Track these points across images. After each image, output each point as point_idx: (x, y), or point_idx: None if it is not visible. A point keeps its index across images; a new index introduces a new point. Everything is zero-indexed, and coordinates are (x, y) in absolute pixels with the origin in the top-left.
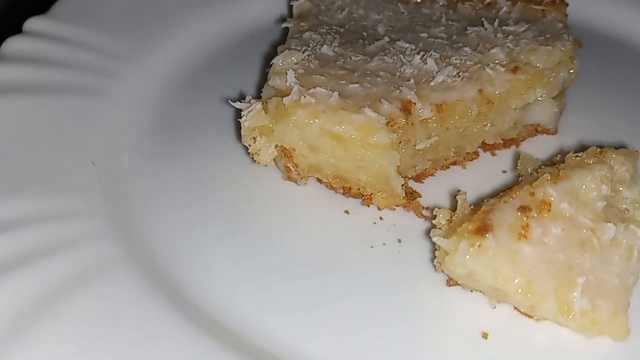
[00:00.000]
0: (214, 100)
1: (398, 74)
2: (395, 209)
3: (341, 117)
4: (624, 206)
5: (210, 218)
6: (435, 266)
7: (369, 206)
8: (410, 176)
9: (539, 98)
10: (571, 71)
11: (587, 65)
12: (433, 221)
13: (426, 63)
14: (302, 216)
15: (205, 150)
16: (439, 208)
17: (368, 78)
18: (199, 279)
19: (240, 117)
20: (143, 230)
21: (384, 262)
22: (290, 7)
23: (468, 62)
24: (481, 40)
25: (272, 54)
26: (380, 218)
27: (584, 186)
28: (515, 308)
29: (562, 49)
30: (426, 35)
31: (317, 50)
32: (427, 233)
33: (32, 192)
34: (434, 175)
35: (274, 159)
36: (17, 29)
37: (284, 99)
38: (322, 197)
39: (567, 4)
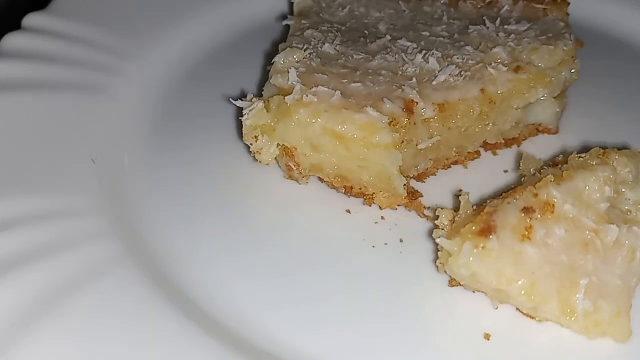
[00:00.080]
0: (214, 97)
1: (400, 72)
2: (396, 209)
3: (343, 116)
4: (626, 207)
5: (210, 216)
6: (437, 267)
7: (370, 205)
8: (411, 175)
9: (541, 98)
10: (573, 70)
11: (588, 64)
12: (435, 221)
13: (428, 62)
14: (303, 215)
15: (205, 148)
16: (442, 208)
17: (370, 77)
18: (199, 278)
19: (242, 115)
20: (144, 228)
21: (385, 262)
22: (291, 5)
23: (470, 61)
24: (483, 39)
25: (273, 51)
26: (382, 217)
27: (587, 187)
28: (517, 309)
29: (564, 48)
30: (428, 33)
31: (319, 48)
32: (429, 233)
33: (30, 190)
34: (436, 175)
35: (275, 158)
36: (17, 27)
37: (285, 97)
38: (324, 196)
39: (569, 3)
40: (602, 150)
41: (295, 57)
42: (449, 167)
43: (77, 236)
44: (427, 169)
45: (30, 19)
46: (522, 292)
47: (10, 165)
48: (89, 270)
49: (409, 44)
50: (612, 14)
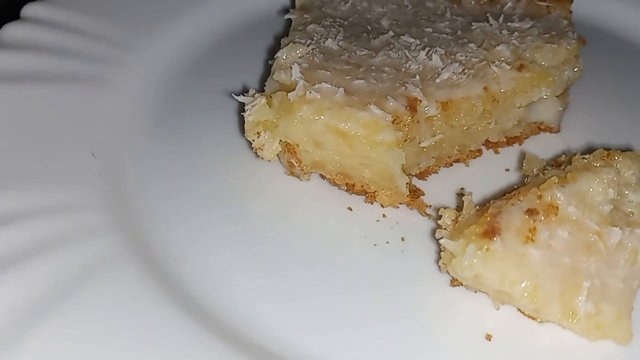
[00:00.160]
0: (215, 91)
1: (403, 69)
2: (398, 207)
3: (347, 114)
4: (629, 210)
5: (211, 212)
6: (440, 267)
7: (372, 204)
8: (413, 174)
9: (544, 96)
10: (575, 69)
11: (591, 62)
12: (438, 221)
13: (431, 59)
14: (304, 212)
15: (207, 143)
16: (445, 208)
17: (373, 74)
18: (199, 273)
19: (244, 111)
20: (144, 223)
21: (387, 261)
22: None
23: (473, 59)
24: (486, 37)
25: (275, 46)
26: (384, 215)
27: (590, 190)
28: (519, 310)
29: (568, 47)
30: (431, 30)
31: (322, 43)
32: (431, 232)
33: (30, 184)
34: (438, 173)
35: (277, 154)
36: (16, 18)
37: (289, 94)
38: (325, 194)
39: (572, 1)
40: (605, 152)
41: (298, 52)
42: (451, 165)
43: (77, 231)
44: (429, 167)
45: (30, 10)
46: (525, 295)
47: (9, 159)
48: (89, 266)
49: (412, 40)
50: (614, 12)
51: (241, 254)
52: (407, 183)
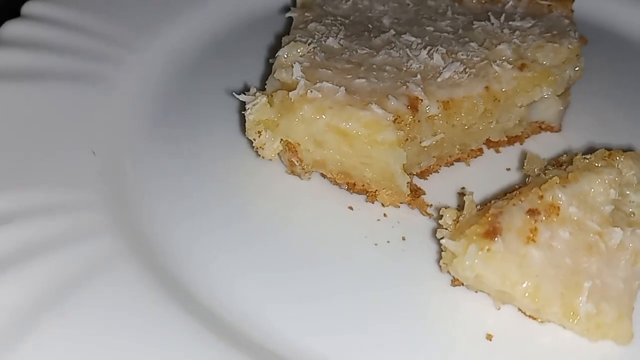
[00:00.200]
0: (216, 89)
1: (404, 68)
2: (399, 206)
3: (348, 113)
4: (630, 210)
5: (212, 211)
6: (440, 267)
7: (373, 203)
8: (414, 173)
9: (545, 96)
10: (577, 68)
11: (592, 61)
12: (439, 221)
13: (433, 58)
14: (305, 211)
15: (207, 142)
16: (446, 208)
17: (374, 73)
18: (200, 272)
19: (245, 110)
20: (145, 222)
21: (388, 260)
22: None
23: (475, 58)
24: (487, 36)
25: (276, 44)
26: (384, 215)
27: (592, 190)
28: (520, 309)
29: (569, 46)
30: (432, 28)
31: (323, 42)
32: (432, 231)
33: (30, 183)
34: (438, 172)
35: (277, 153)
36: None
37: (290, 93)
38: (326, 193)
39: (573, 0)
40: (607, 152)
41: (299, 51)
42: (452, 164)
43: (77, 230)
44: (430, 166)
45: (30, 7)
46: (526, 295)
47: (9, 157)
48: (89, 265)
49: (414, 39)
50: (616, 11)
51: (241, 253)
52: (408, 182)
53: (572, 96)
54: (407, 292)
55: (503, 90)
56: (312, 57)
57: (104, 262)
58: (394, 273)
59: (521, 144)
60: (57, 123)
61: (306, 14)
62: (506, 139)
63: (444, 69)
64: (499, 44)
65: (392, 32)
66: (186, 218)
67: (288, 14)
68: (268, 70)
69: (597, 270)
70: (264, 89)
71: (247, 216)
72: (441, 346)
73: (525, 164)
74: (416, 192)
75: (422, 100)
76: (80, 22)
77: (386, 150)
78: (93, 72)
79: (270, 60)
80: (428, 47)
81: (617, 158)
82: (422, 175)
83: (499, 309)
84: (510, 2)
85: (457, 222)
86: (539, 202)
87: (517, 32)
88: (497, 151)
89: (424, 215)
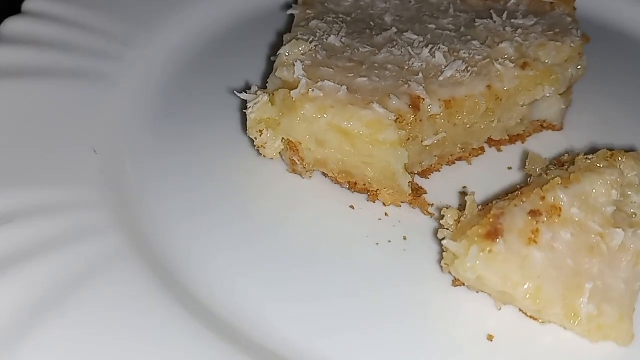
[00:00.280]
0: (217, 87)
1: (406, 67)
2: (400, 206)
3: (350, 112)
4: (632, 210)
5: (213, 210)
6: (442, 267)
7: (374, 202)
8: (416, 172)
9: (547, 95)
10: (579, 67)
11: (594, 60)
12: (441, 221)
13: (435, 57)
14: (306, 211)
15: (208, 140)
16: (447, 208)
17: (376, 71)
18: (201, 271)
19: (246, 108)
20: (146, 222)
21: (389, 260)
22: None
23: (477, 57)
24: (490, 34)
25: (277, 41)
26: (386, 214)
27: (594, 191)
28: (521, 310)
29: (572, 45)
30: (434, 26)
31: (324, 40)
32: (433, 231)
33: (31, 182)
34: (440, 171)
35: (279, 152)
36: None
37: (291, 92)
38: (327, 192)
39: None
40: (609, 153)
41: (300, 49)
42: (454, 163)
43: (79, 229)
44: (431, 165)
45: (31, 4)
46: (527, 296)
47: (9, 155)
48: (90, 265)
49: (416, 37)
50: (619, 8)
51: (242, 253)
52: (409, 182)
53: (574, 95)
54: (408, 292)
55: (505, 89)
56: (314, 55)
57: (104, 261)
58: (395, 273)
59: (523, 143)
60: (57, 121)
61: (308, 11)
62: (508, 137)
63: (446, 67)
64: (501, 43)
65: (394, 30)
66: (187, 217)
67: (290, 11)
68: (269, 68)
69: (598, 271)
70: (266, 87)
71: (248, 215)
72: (442, 347)
73: (527, 164)
74: (417, 192)
75: (424, 99)
76: (81, 19)
77: (388, 149)
78: (94, 70)
79: (272, 58)
80: (430, 46)
81: (619, 159)
82: (424, 174)
83: (500, 309)
84: (513, 0)
85: (459, 222)
86: (541, 203)
87: (520, 30)
88: (499, 150)
89: (425, 214)
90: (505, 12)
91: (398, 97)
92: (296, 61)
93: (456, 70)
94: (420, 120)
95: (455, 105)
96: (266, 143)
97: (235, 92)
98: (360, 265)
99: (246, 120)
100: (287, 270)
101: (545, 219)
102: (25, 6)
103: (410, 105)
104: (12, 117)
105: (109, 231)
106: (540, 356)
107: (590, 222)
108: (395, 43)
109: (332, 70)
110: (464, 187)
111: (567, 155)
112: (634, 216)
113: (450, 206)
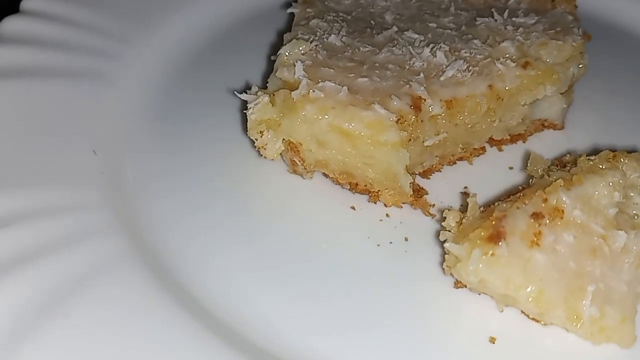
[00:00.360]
0: (217, 87)
1: (407, 67)
2: (402, 207)
3: (351, 113)
4: (634, 212)
5: (213, 211)
6: (444, 269)
7: (375, 203)
8: (417, 172)
9: (548, 94)
10: (580, 65)
11: (595, 58)
12: (442, 223)
13: (436, 56)
14: (307, 212)
15: (208, 140)
16: (448, 209)
17: (377, 71)
18: (201, 273)
19: (246, 109)
20: (147, 223)
21: (390, 262)
22: None
23: (478, 56)
24: (491, 33)
25: (277, 41)
26: (387, 215)
27: (596, 193)
28: (523, 312)
29: (573, 44)
30: (435, 25)
31: (325, 39)
32: (435, 232)
33: (30, 184)
34: (441, 171)
35: (279, 153)
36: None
37: (292, 92)
38: (328, 192)
39: None
40: (611, 154)
41: (301, 49)
42: (455, 163)
43: (79, 231)
44: (432, 165)
45: (30, 3)
46: (530, 299)
47: (8, 157)
48: (91, 267)
49: (416, 36)
50: (620, 6)
51: (243, 253)
52: (410, 183)
53: (575, 93)
54: (409, 294)
55: (506, 88)
56: (314, 55)
57: (105, 263)
58: (396, 274)
59: (524, 142)
60: (56, 121)
61: (308, 10)
62: (509, 137)
63: (447, 67)
64: (503, 42)
65: (395, 28)
66: (187, 217)
67: (290, 10)
68: (269, 68)
69: (600, 273)
70: (266, 87)
71: (248, 216)
72: (444, 349)
73: (528, 165)
74: (419, 192)
75: (425, 99)
76: (80, 18)
77: (389, 150)
78: (93, 69)
79: (272, 58)
80: (431, 45)
81: (622, 160)
82: (425, 174)
83: (502, 311)
84: None
85: (460, 224)
86: (543, 205)
87: (521, 29)
88: (500, 150)
89: (426, 215)
90: (506, 11)
91: (399, 97)
92: (297, 61)
93: (457, 69)
94: (422, 121)
95: (456, 105)
96: (267, 144)
97: (235, 92)
98: (361, 267)
99: (246, 121)
100: (287, 271)
101: (548, 221)
102: (23, 5)
103: (411, 106)
104: (10, 117)
105: (110, 232)
106: (542, 359)
107: (592, 224)
108: (396, 42)
109: (332, 70)
110: (465, 187)
111: (568, 155)
112: (636, 217)
113: (451, 207)
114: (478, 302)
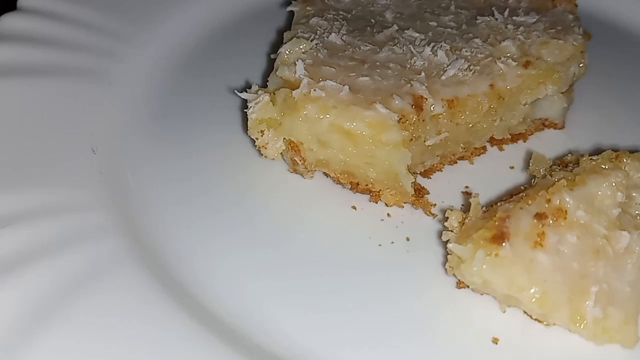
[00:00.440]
0: (217, 85)
1: (408, 66)
2: (403, 206)
3: (352, 113)
4: (636, 212)
5: (213, 210)
6: (446, 269)
7: (376, 202)
8: (418, 172)
9: (549, 93)
10: (581, 65)
11: (596, 57)
12: (445, 223)
13: (437, 55)
14: (308, 211)
15: (208, 138)
16: (451, 210)
17: (378, 70)
18: (202, 272)
19: (246, 107)
20: (146, 223)
21: (392, 262)
22: None
23: (479, 55)
24: (491, 31)
25: (277, 39)
26: (388, 215)
27: (599, 193)
28: (525, 312)
29: (574, 43)
30: (435, 23)
31: (325, 38)
32: (436, 232)
33: (30, 184)
34: (442, 171)
35: (280, 152)
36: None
37: (293, 92)
38: (329, 192)
39: None
40: (614, 154)
41: (301, 47)
42: (456, 162)
43: (79, 232)
44: (433, 165)
45: (27, 0)
46: (534, 300)
47: (6, 157)
48: (92, 267)
49: (417, 35)
50: (619, 5)
51: (243, 254)
52: (412, 182)
53: (575, 93)
54: (411, 294)
55: (508, 88)
56: (315, 53)
57: (105, 264)
58: (398, 275)
59: (524, 142)
60: (54, 120)
61: (308, 8)
62: (510, 136)
63: (448, 66)
64: (503, 41)
65: (395, 27)
66: (187, 217)
67: (289, 8)
68: (269, 66)
69: (603, 274)
70: (266, 86)
71: (248, 216)
72: (446, 349)
73: (530, 164)
74: (420, 192)
75: (426, 99)
76: (78, 15)
77: (391, 150)
78: (91, 68)
79: (272, 56)
80: (432, 44)
81: (624, 160)
82: (426, 174)
83: (504, 311)
84: None
85: (463, 224)
86: (547, 206)
87: (522, 28)
88: (501, 149)
89: (427, 215)
90: (507, 9)
91: (401, 97)
92: (297, 60)
93: (458, 69)
94: (423, 120)
95: (458, 104)
96: (267, 143)
97: (235, 91)
98: (363, 267)
99: (246, 120)
100: (288, 271)
101: (551, 221)
102: (20, 2)
103: (413, 105)
104: (8, 116)
105: (109, 232)
106: (545, 359)
107: (595, 224)
108: (396, 41)
109: (333, 69)
110: (467, 187)
111: (570, 155)
112: (638, 218)
113: (453, 207)
114: (480, 303)
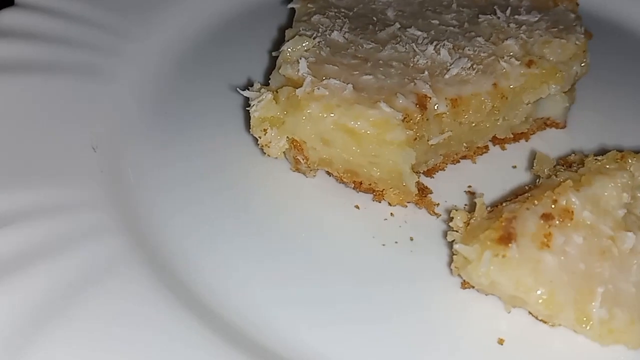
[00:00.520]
0: (218, 82)
1: (411, 64)
2: (406, 206)
3: (356, 111)
4: None
5: (214, 209)
6: (452, 270)
7: (380, 202)
8: (421, 171)
9: (552, 93)
10: (583, 64)
11: (597, 56)
12: (450, 223)
13: (440, 53)
14: (311, 211)
15: (209, 137)
16: (455, 210)
17: (381, 69)
18: (204, 272)
19: (249, 105)
20: (147, 223)
21: (396, 261)
22: None
23: (482, 54)
24: (494, 30)
25: (279, 37)
26: (391, 214)
27: (605, 194)
28: (531, 313)
29: (577, 42)
30: (437, 22)
31: (327, 36)
32: (440, 232)
33: (29, 183)
34: (444, 170)
35: (283, 151)
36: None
37: (296, 90)
38: (332, 191)
39: None
40: (619, 154)
41: (304, 45)
42: (458, 162)
43: (81, 231)
44: (436, 164)
45: None
46: (540, 301)
47: (5, 155)
48: (93, 265)
49: (419, 33)
50: (620, 4)
51: (245, 252)
52: (416, 182)
53: (577, 92)
54: (416, 294)
55: (511, 87)
56: (318, 51)
57: (106, 261)
58: (402, 275)
59: (527, 141)
60: (53, 117)
61: (309, 5)
62: (512, 135)
63: (451, 65)
64: (506, 39)
65: (397, 25)
66: (189, 216)
67: (290, 5)
68: (271, 64)
69: (609, 275)
70: (268, 84)
71: (250, 214)
72: (452, 350)
73: (534, 164)
74: (423, 191)
75: (430, 98)
76: (77, 11)
77: (395, 149)
78: (91, 64)
79: (274, 54)
80: (434, 42)
81: (630, 160)
82: (429, 173)
83: (509, 312)
84: None
85: (468, 224)
86: (553, 206)
87: (524, 27)
88: (503, 148)
89: (431, 214)
90: (509, 8)
91: (405, 95)
92: (300, 58)
93: (462, 67)
94: (427, 119)
95: (461, 103)
96: (270, 142)
97: (237, 89)
98: (367, 267)
99: (249, 118)
100: (291, 271)
101: (558, 222)
102: None
103: (417, 104)
104: (6, 113)
105: (110, 231)
106: None
107: (601, 225)
108: (399, 39)
109: (336, 67)
110: (469, 186)
111: (574, 154)
112: None
113: (456, 206)
114: (486, 303)
